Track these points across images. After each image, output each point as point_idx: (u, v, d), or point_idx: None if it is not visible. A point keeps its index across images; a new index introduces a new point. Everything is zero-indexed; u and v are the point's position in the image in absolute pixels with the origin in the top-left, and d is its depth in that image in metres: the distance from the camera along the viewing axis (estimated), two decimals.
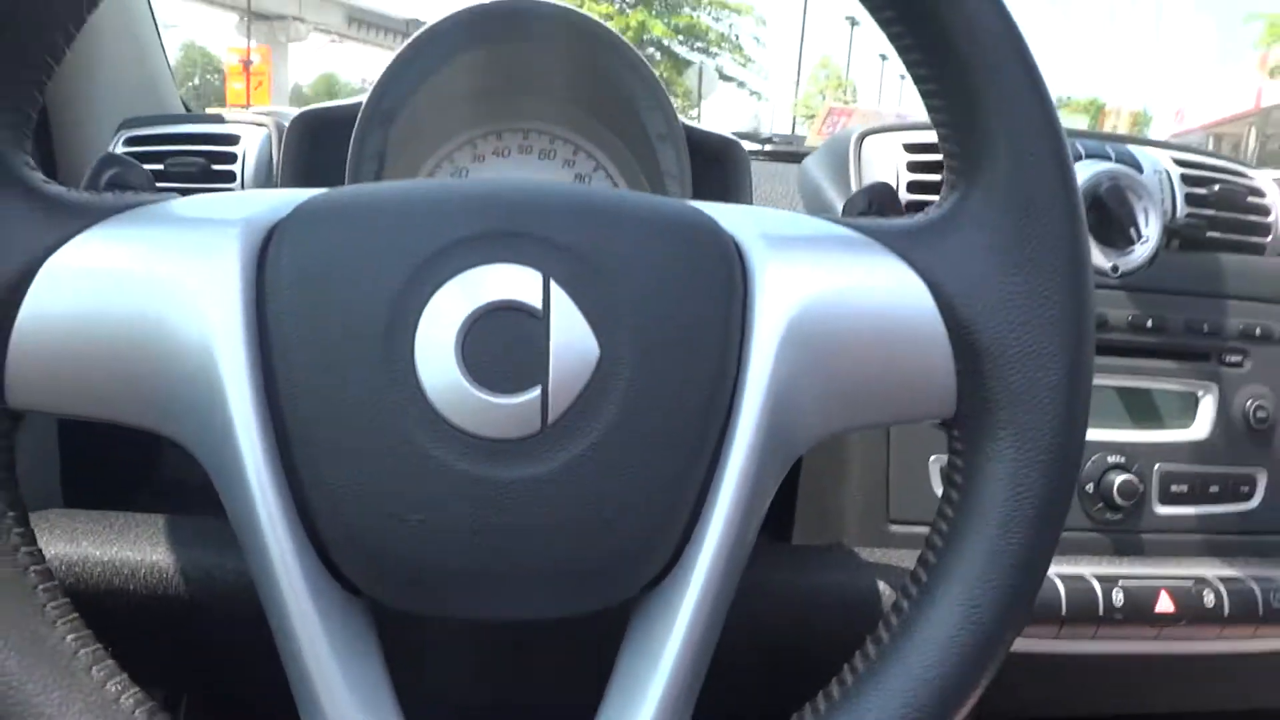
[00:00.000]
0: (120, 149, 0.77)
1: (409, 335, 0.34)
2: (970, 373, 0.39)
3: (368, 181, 0.68)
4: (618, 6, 20.39)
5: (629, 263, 0.36)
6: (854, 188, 0.75)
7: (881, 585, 0.63)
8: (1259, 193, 0.80)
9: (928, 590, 0.39)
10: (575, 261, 0.35)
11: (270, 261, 0.35)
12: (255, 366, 0.34)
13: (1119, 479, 0.70)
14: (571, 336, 0.34)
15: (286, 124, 0.73)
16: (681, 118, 0.69)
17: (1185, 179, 0.78)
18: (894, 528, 0.68)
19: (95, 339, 0.35)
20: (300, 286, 0.35)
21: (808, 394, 0.38)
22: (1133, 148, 0.78)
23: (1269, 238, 0.79)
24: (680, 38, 21.40)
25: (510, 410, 0.34)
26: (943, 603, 0.39)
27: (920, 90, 0.41)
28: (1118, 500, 0.70)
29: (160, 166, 0.75)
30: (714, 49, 22.07)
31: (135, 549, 0.59)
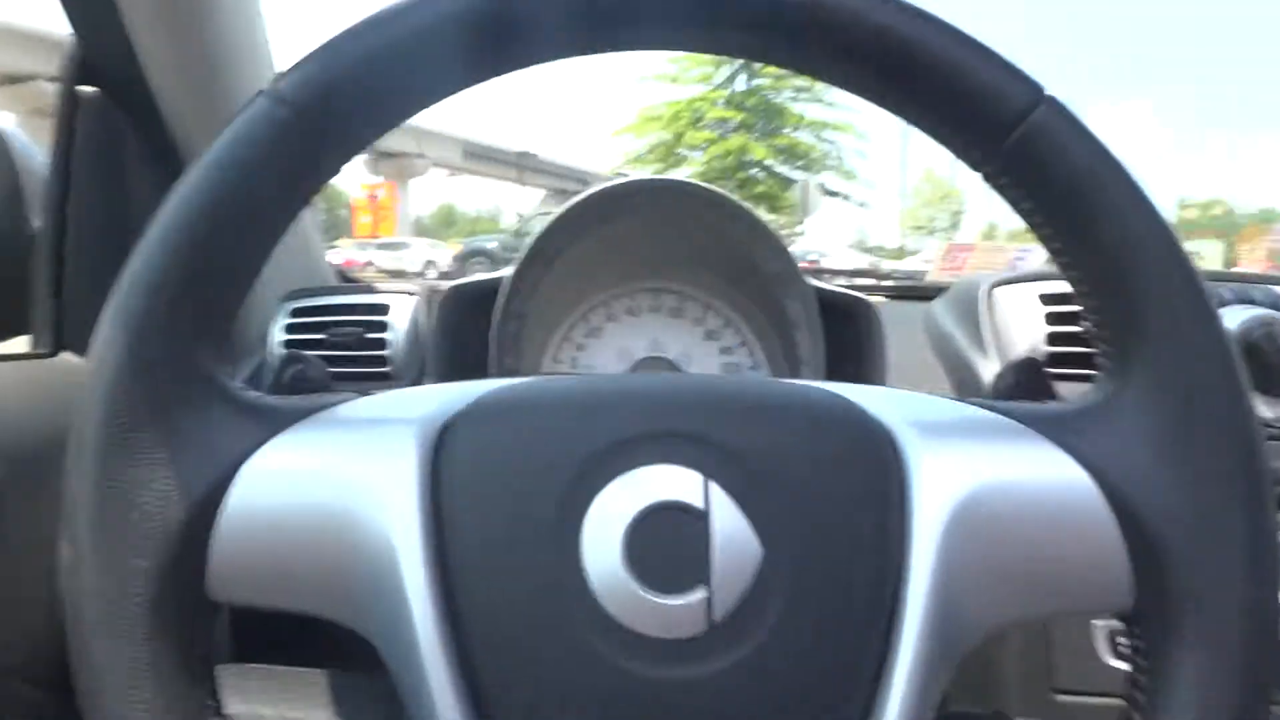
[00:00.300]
0: (286, 319, 0.83)
1: (576, 533, 0.35)
2: (1146, 566, 0.38)
3: (510, 342, 0.71)
4: (719, 133, 21.03)
5: (785, 459, 0.37)
6: (986, 338, 0.75)
7: None
8: None
9: None
10: (733, 460, 0.36)
11: (445, 460, 0.37)
12: (431, 560, 0.35)
13: None
14: (733, 536, 0.35)
15: (428, 288, 0.78)
16: (791, 245, 0.71)
17: None
18: (1059, 698, 0.65)
19: (288, 536, 0.37)
20: (472, 484, 0.37)
21: (975, 587, 0.37)
22: (1277, 288, 0.76)
23: None
24: (782, 158, 21.84)
25: (676, 610, 0.34)
26: None
27: (1064, 275, 0.41)
28: None
29: (322, 336, 0.81)
30: (817, 167, 22.43)
31: (304, 707, 0.62)
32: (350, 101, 0.37)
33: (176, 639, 0.37)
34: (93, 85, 0.78)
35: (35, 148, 0.83)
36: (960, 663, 0.38)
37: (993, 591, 0.38)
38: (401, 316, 0.82)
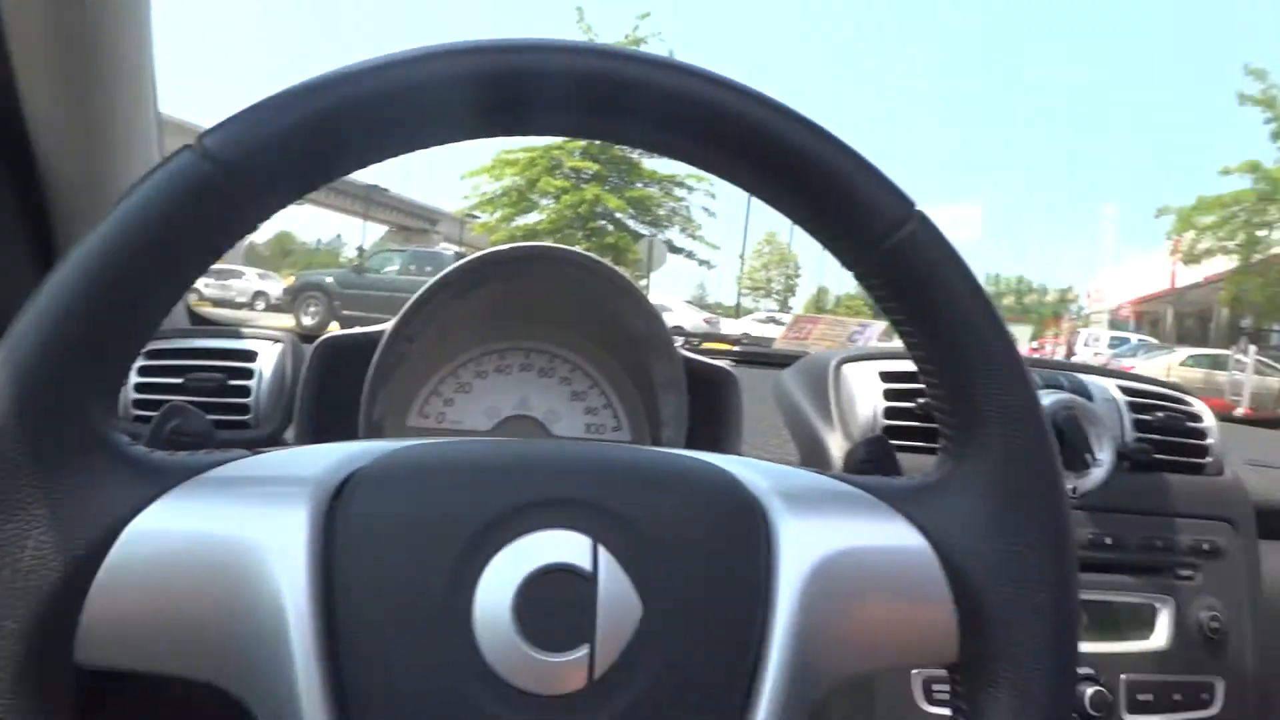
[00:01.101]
0: (141, 361, 0.80)
1: (469, 595, 0.37)
2: (970, 624, 0.43)
3: (379, 397, 0.72)
4: (573, 181, 21.24)
5: (668, 525, 0.40)
6: (833, 411, 0.81)
7: None
8: (1197, 418, 0.88)
9: None
10: (620, 525, 0.39)
11: (339, 522, 0.38)
12: (320, 623, 0.36)
13: (1090, 690, 0.74)
14: (617, 596, 0.38)
15: (298, 341, 0.77)
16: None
17: (1132, 405, 0.85)
18: None
19: (171, 598, 0.37)
20: (366, 547, 0.38)
21: (826, 643, 0.41)
22: (1082, 376, 0.86)
23: (1208, 459, 0.87)
24: (632, 211, 22.25)
25: (559, 667, 0.36)
26: None
27: (916, 363, 0.47)
28: (1091, 712, 0.74)
29: (179, 380, 0.79)
30: (665, 222, 22.97)
31: None
32: (277, 162, 0.38)
33: (39, 702, 0.36)
34: None
35: None
36: (809, 713, 0.42)
37: (842, 646, 0.42)
38: (267, 364, 0.81)
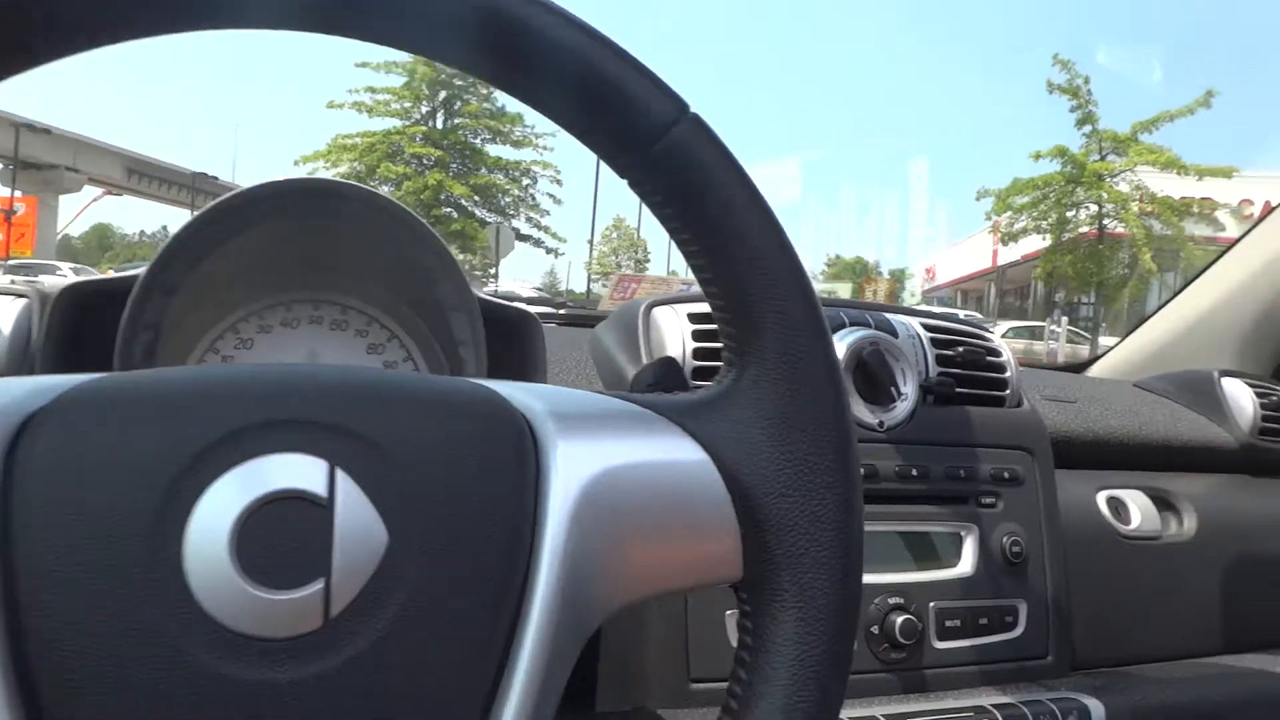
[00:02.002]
0: None
1: (178, 535, 0.32)
2: (753, 538, 0.41)
3: (139, 355, 0.64)
4: (414, 167, 20.71)
5: (418, 447, 0.36)
6: (644, 356, 0.79)
7: None
8: (996, 352, 0.91)
9: None
10: (362, 448, 0.35)
11: (20, 456, 0.32)
12: None
13: (900, 619, 0.75)
14: (358, 525, 0.33)
15: (52, 293, 0.69)
16: (477, 290, 0.71)
17: (934, 341, 0.87)
18: (696, 686, 0.69)
19: None
20: (50, 482, 0.32)
21: (601, 566, 0.38)
22: (889, 315, 0.87)
23: (1007, 391, 0.90)
24: (477, 198, 21.92)
25: (288, 606, 0.32)
26: None
27: (697, 277, 0.45)
28: (900, 639, 0.74)
29: None
30: (511, 209, 22.74)
31: None
32: None
33: None
34: None
35: None
36: (583, 642, 0.39)
37: (618, 570, 0.39)
38: (6, 320, 0.72)
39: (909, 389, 0.82)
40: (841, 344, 0.81)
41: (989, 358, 0.90)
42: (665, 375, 0.50)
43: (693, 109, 0.43)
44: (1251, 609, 1.00)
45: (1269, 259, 1.25)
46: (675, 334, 0.79)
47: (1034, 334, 17.16)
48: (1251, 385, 1.15)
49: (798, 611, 0.41)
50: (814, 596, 0.41)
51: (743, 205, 0.42)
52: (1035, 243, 19.39)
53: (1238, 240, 1.33)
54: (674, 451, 0.41)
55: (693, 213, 0.42)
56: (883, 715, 0.70)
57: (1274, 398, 1.15)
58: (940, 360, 0.86)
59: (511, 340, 0.72)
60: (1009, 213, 18.93)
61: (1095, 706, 0.77)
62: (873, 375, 0.80)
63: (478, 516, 0.36)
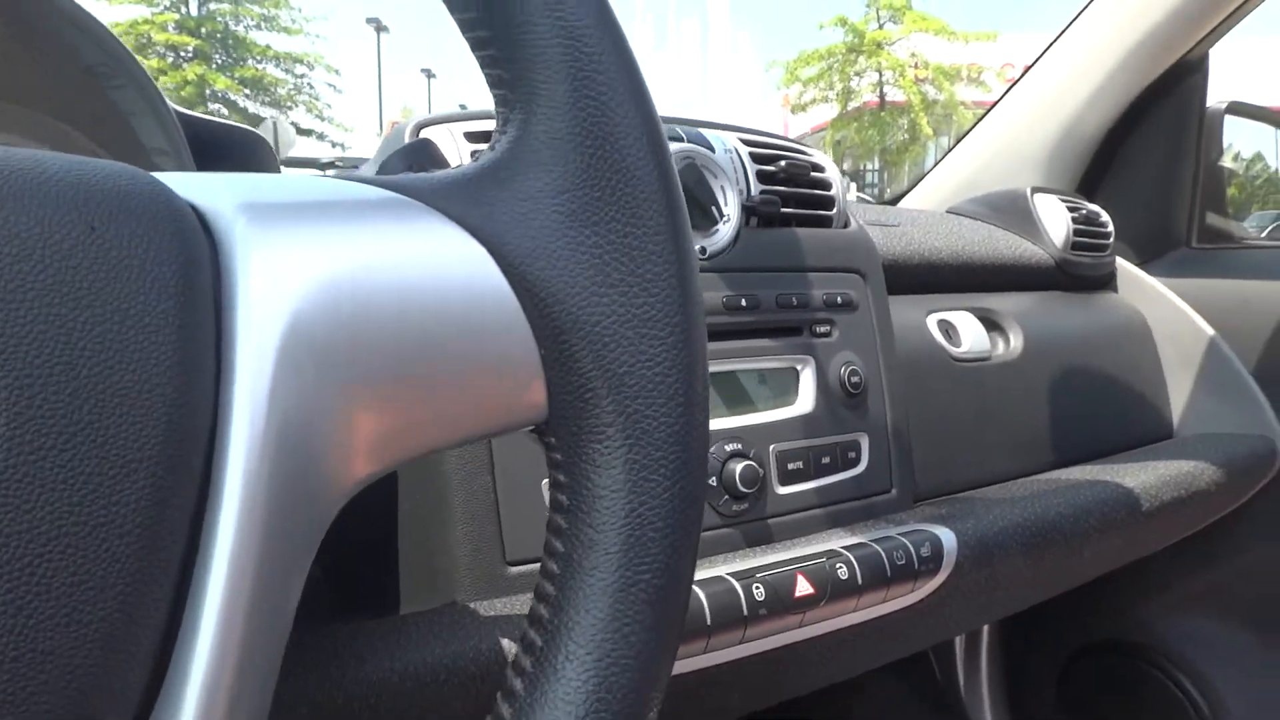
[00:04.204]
0: None
1: None
2: (559, 357, 0.29)
3: None
4: (171, 60, 18.71)
5: (19, 261, 0.22)
6: None
7: (505, 644, 0.52)
8: (820, 168, 0.82)
9: (547, 655, 0.29)
10: None
11: None
12: None
13: (740, 466, 0.66)
14: None
15: None
16: None
17: (754, 157, 0.77)
18: (514, 570, 0.57)
19: None
20: None
21: (332, 421, 0.25)
22: (702, 129, 0.76)
23: (834, 210, 0.81)
24: (248, 91, 20.13)
25: None
26: (569, 668, 0.29)
27: (449, 8, 0.31)
28: (741, 489, 0.66)
29: None
30: (288, 103, 21.04)
31: None
32: None
33: None
34: None
35: None
36: (319, 531, 0.26)
37: (360, 426, 0.26)
38: None
39: (731, 209, 0.71)
40: None
41: (813, 173, 0.80)
42: (424, 160, 0.37)
43: None
44: (1077, 422, 0.99)
45: (1066, 78, 1.23)
46: (452, 156, 0.64)
47: None
48: (1063, 201, 1.13)
49: (627, 452, 0.30)
50: (649, 430, 0.30)
51: None
52: (824, 114, 19.99)
53: (1035, 61, 1.30)
54: (433, 246, 0.28)
55: None
56: (728, 573, 0.61)
57: (1083, 212, 1.14)
58: (762, 177, 0.76)
59: (233, 163, 0.55)
60: (798, 84, 19.35)
61: (946, 535, 0.72)
62: (690, 194, 0.69)
63: (123, 369, 0.22)
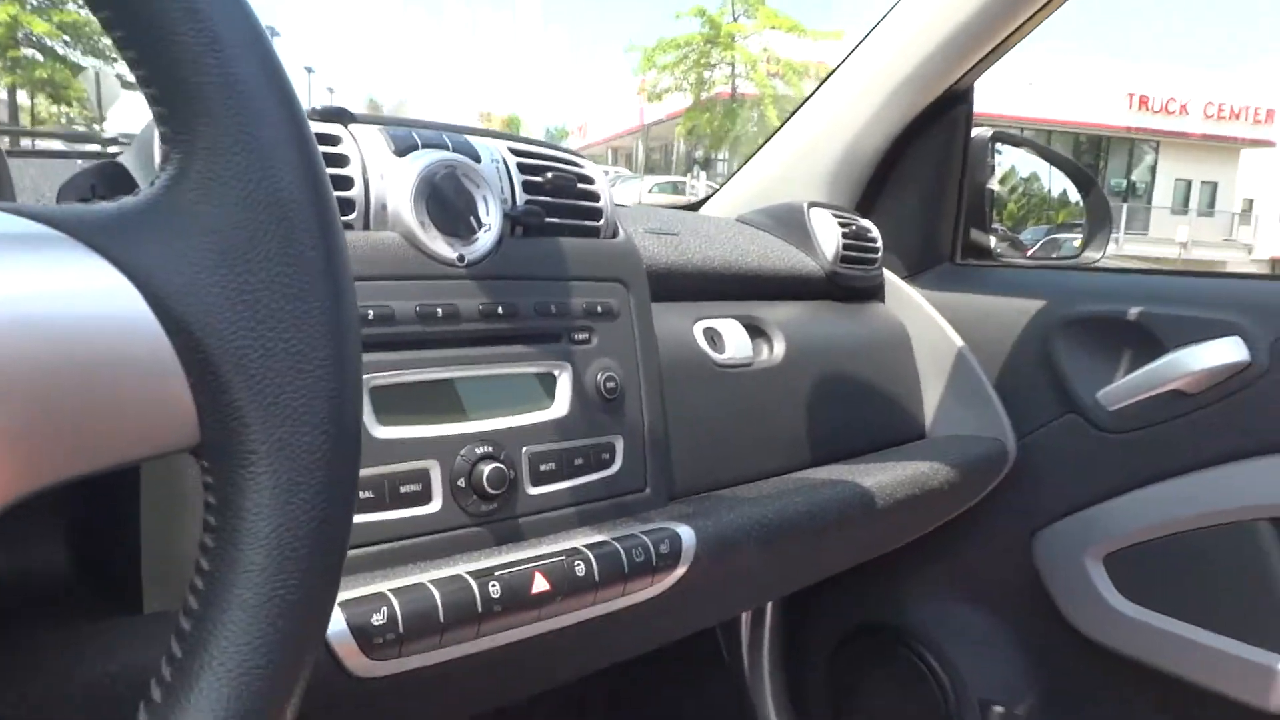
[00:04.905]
0: None
1: None
2: (210, 387, 0.31)
3: None
4: None
5: None
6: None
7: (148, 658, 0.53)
8: (589, 179, 0.85)
9: (186, 665, 0.31)
10: None
11: None
12: None
13: (488, 469, 0.69)
14: None
15: None
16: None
17: (522, 167, 0.79)
18: None
19: None
20: None
21: None
22: (470, 138, 0.78)
23: (601, 221, 0.85)
24: (68, 38, 18.61)
25: None
26: (204, 676, 0.31)
27: (112, 39, 0.32)
28: (489, 490, 0.69)
29: None
30: (113, 52, 19.57)
31: None
32: None
33: None
34: None
35: None
36: None
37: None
38: None
39: (492, 219, 0.74)
40: (412, 168, 0.71)
41: (581, 184, 0.84)
42: (107, 185, 0.37)
43: None
44: (833, 424, 1.07)
45: (851, 98, 1.32)
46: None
47: (677, 189, 18.11)
48: (836, 216, 1.21)
49: (273, 477, 0.32)
50: (295, 455, 0.32)
51: None
52: (679, 101, 20.26)
53: (822, 82, 1.38)
54: (77, 281, 0.30)
55: None
56: (467, 572, 0.64)
57: (854, 227, 1.23)
58: (528, 188, 0.79)
59: None
60: (654, 70, 19.53)
61: (685, 532, 0.77)
62: (448, 203, 0.71)
63: None
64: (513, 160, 0.79)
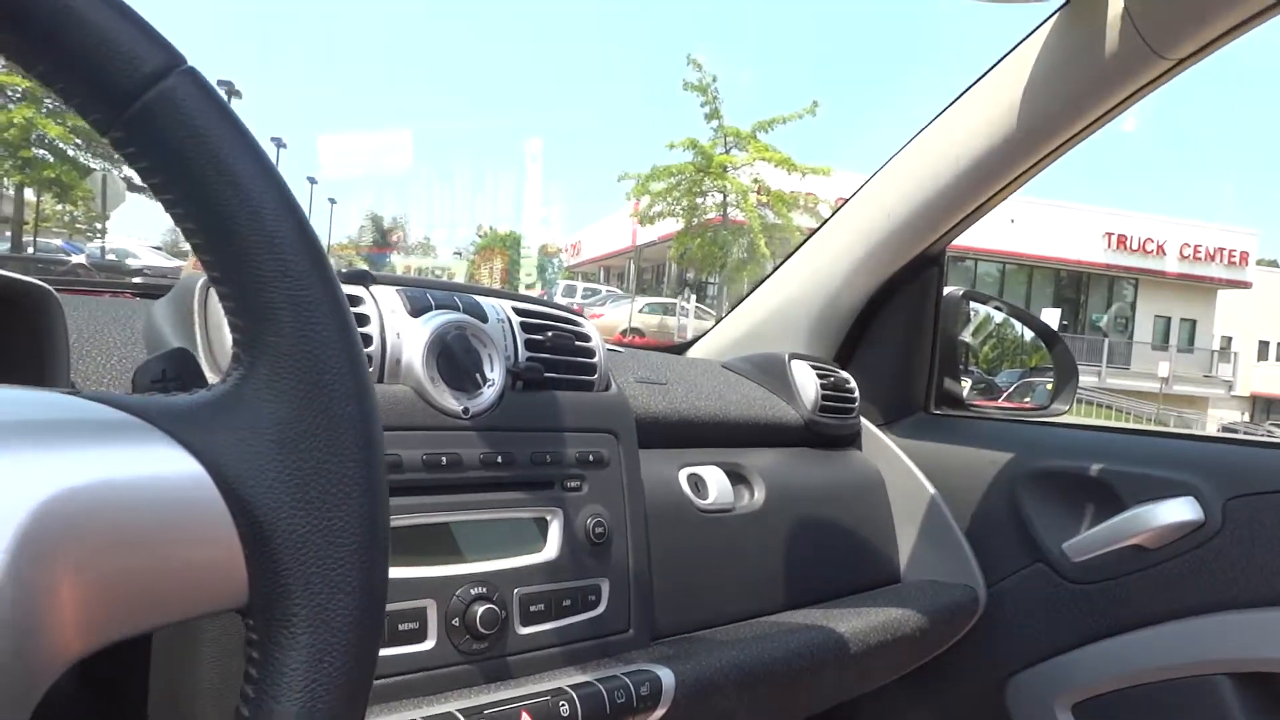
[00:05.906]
0: None
1: None
2: (260, 558, 0.37)
3: None
4: (1, 101, 17.63)
5: None
6: (199, 340, 0.70)
7: None
8: (586, 338, 0.92)
9: None
10: None
11: None
12: None
13: (481, 609, 0.73)
14: None
15: None
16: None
17: (525, 326, 0.87)
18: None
19: None
20: None
21: (58, 608, 0.32)
22: (479, 298, 0.85)
23: (595, 375, 0.92)
24: (79, 141, 19.13)
25: None
26: None
27: (200, 259, 0.39)
28: (481, 629, 0.73)
29: None
30: (120, 156, 20.03)
31: None
32: None
33: None
34: None
35: None
36: (33, 700, 0.32)
37: (83, 612, 0.33)
38: None
39: (496, 374, 0.81)
40: (425, 328, 0.78)
41: (578, 342, 0.91)
42: (176, 369, 0.44)
43: (189, 64, 0.37)
44: (810, 568, 1.12)
45: (833, 255, 1.41)
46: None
47: (667, 310, 18.45)
48: (815, 367, 1.29)
49: (310, 637, 0.37)
50: (330, 620, 0.38)
51: (245, 177, 0.37)
52: (671, 225, 20.82)
53: (807, 238, 1.49)
54: (159, 465, 0.35)
55: (186, 181, 0.37)
56: (459, 710, 0.68)
57: (832, 378, 1.30)
58: (530, 345, 0.86)
59: (18, 319, 0.60)
60: (647, 196, 20.14)
61: (666, 674, 0.81)
62: (457, 361, 0.78)
63: None
64: (516, 320, 0.86)
